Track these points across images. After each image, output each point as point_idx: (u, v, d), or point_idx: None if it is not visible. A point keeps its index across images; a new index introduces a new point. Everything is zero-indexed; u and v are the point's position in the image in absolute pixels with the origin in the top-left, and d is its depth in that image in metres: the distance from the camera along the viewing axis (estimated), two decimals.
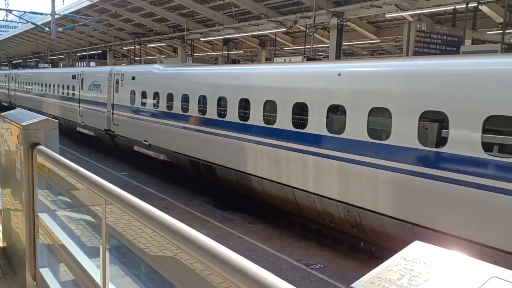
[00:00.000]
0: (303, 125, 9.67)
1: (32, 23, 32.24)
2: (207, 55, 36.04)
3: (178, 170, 14.98)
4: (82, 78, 21.32)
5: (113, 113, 18.05)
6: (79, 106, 21.54)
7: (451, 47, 14.19)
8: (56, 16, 27.77)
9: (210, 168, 12.65)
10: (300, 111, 9.87)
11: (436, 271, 1.17)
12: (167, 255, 1.85)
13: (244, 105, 11.35)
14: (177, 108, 13.99)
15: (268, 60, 29.16)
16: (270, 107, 10.57)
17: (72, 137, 23.80)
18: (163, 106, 14.68)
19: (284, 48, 28.76)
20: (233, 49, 30.87)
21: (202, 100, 12.93)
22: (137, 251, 2.24)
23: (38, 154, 3.69)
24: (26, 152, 3.82)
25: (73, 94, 22.27)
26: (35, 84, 29.47)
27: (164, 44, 32.73)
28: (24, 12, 29.29)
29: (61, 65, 48.71)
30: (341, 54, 18.83)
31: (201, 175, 13.58)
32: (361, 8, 16.43)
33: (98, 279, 2.47)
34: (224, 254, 1.41)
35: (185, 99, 13.65)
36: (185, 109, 13.63)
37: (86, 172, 2.67)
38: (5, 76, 38.30)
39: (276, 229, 10.63)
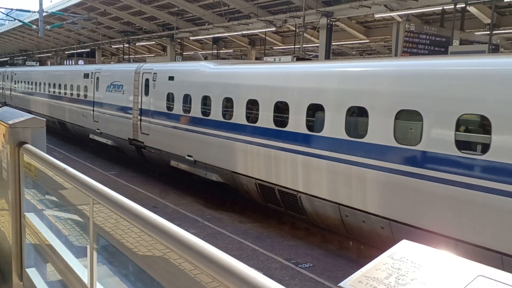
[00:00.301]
0: (464, 145, 6.88)
1: (20, 21, 31.94)
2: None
3: (233, 192, 12.26)
4: (98, 77, 18.40)
5: (141, 120, 15.20)
6: (93, 110, 18.61)
7: (440, 48, 14.33)
8: (44, 14, 27.53)
9: (291, 197, 9.94)
10: (464, 127, 7.05)
11: (423, 270, 1.18)
12: (156, 255, 1.84)
13: (358, 115, 8.54)
14: (239, 117, 11.08)
15: (258, 59, 29.16)
16: (403, 118, 7.70)
17: (61, 136, 23.58)
18: (217, 114, 11.78)
19: (274, 48, 28.81)
20: (223, 48, 30.87)
21: (281, 108, 10.08)
22: (125, 251, 2.23)
23: (25, 153, 3.65)
24: (13, 151, 3.77)
25: (85, 96, 19.29)
26: (36, 83, 26.04)
27: (153, 42, 32.57)
28: (12, 9, 28.92)
29: (49, 63, 48.22)
30: (331, 54, 18.91)
31: (274, 204, 10.77)
32: (351, 8, 16.53)
33: (85, 279, 2.45)
34: (213, 254, 1.41)
35: (252, 106, 10.85)
36: (252, 119, 10.75)
37: (73, 171, 2.65)
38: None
39: (265, 228, 10.64)
